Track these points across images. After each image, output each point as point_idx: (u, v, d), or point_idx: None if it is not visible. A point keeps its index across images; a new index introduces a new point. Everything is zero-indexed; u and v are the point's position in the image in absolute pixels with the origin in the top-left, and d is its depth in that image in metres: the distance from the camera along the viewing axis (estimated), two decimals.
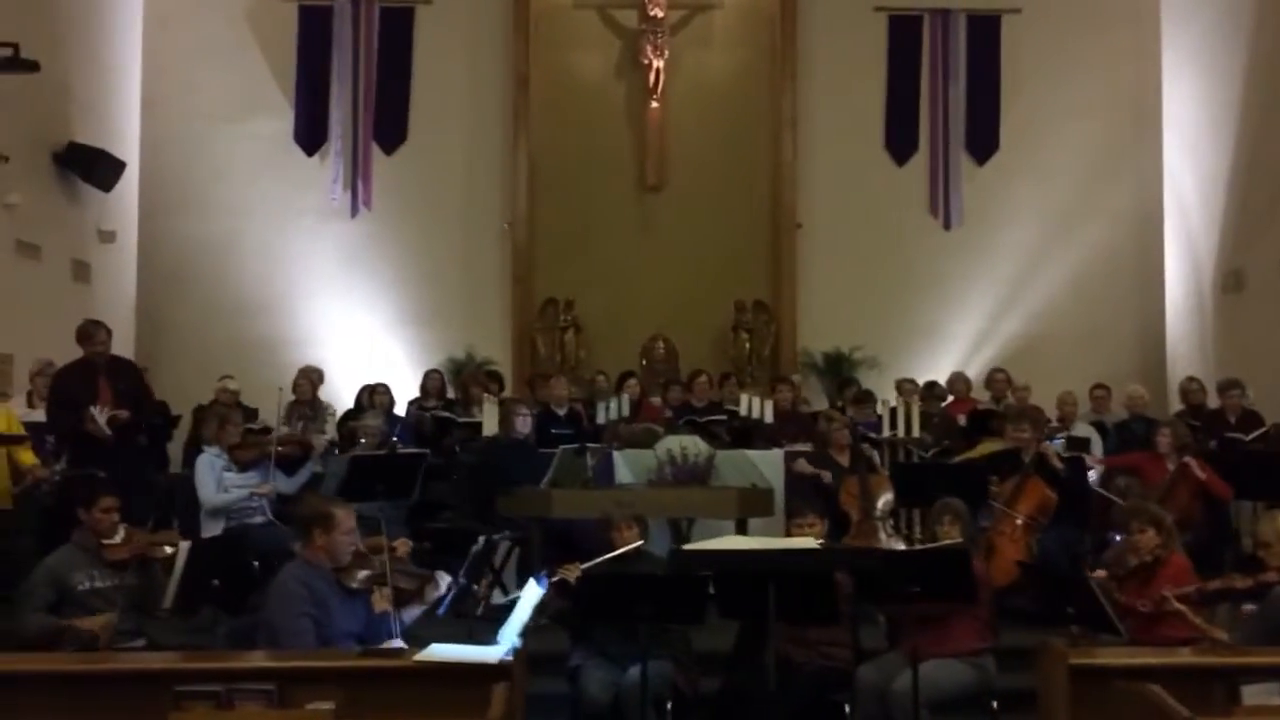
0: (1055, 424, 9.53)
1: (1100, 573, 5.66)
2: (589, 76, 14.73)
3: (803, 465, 8.08)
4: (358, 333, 14.19)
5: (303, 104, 14.35)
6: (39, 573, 5.88)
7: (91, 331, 8.03)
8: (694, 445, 8.54)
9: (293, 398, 10.57)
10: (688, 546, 5.14)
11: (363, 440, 8.35)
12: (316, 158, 14.41)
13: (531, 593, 5.07)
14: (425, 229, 14.37)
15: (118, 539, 6.03)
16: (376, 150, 14.46)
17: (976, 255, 14.47)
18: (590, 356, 13.98)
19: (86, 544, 6.01)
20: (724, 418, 10.00)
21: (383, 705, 4.57)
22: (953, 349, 14.41)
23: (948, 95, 14.55)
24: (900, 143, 14.57)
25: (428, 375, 11.73)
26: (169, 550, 6.13)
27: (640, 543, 5.76)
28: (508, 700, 4.23)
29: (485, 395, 9.32)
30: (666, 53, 14.26)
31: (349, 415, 10.42)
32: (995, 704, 5.66)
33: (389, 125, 14.44)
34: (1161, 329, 14.07)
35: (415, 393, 11.68)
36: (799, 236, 14.41)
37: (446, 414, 10.12)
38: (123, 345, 12.70)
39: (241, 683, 4.49)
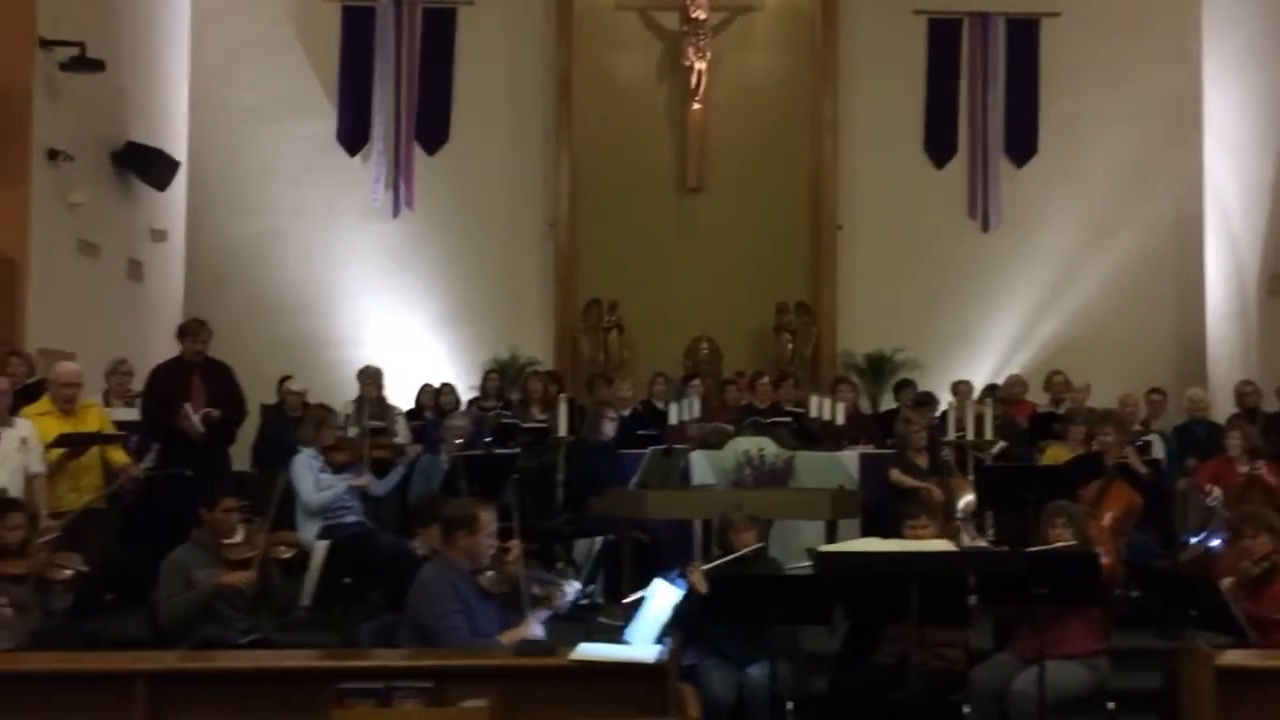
0: (1139, 427, 9.62)
1: (1227, 580, 5.71)
2: (630, 78, 14.79)
3: (896, 476, 8.13)
4: (399, 333, 14.23)
5: (345, 104, 14.40)
6: (166, 569, 5.94)
7: (195, 329, 8.12)
8: (768, 446, 8.60)
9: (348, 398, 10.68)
10: (829, 549, 5.20)
11: (458, 441, 8.40)
12: (359, 158, 14.47)
13: (665, 592, 5.13)
14: (467, 229, 14.43)
15: (237, 538, 6.08)
16: (418, 150, 14.50)
17: (1014, 258, 14.56)
18: (633, 357, 14.04)
19: (206, 543, 6.07)
20: (789, 419, 10.06)
21: (536, 704, 4.64)
22: (990, 351, 14.52)
23: (987, 98, 14.64)
24: (939, 145, 14.66)
25: (486, 376, 11.79)
26: (286, 552, 6.18)
27: (761, 545, 5.83)
28: (682, 700, 4.28)
29: (560, 396, 9.35)
30: (708, 54, 14.31)
31: (409, 415, 10.46)
32: (1111, 705, 5.73)
33: (431, 125, 14.49)
34: (1200, 332, 14.14)
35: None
36: (839, 238, 14.49)
37: (511, 417, 10.14)
38: (170, 346, 12.76)
39: (401, 680, 4.55)
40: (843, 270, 14.49)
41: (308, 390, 10.58)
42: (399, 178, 14.46)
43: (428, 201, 14.47)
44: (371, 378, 10.03)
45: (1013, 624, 5.93)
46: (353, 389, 11.33)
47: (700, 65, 14.30)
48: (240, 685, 4.62)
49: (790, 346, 13.98)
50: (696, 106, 14.39)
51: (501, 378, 12.52)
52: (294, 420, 9.73)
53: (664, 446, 8.00)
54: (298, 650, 5.40)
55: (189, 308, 13.62)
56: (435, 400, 10.76)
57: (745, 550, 5.77)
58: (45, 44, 9.89)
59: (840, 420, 9.45)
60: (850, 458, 8.69)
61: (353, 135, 14.43)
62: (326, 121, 14.41)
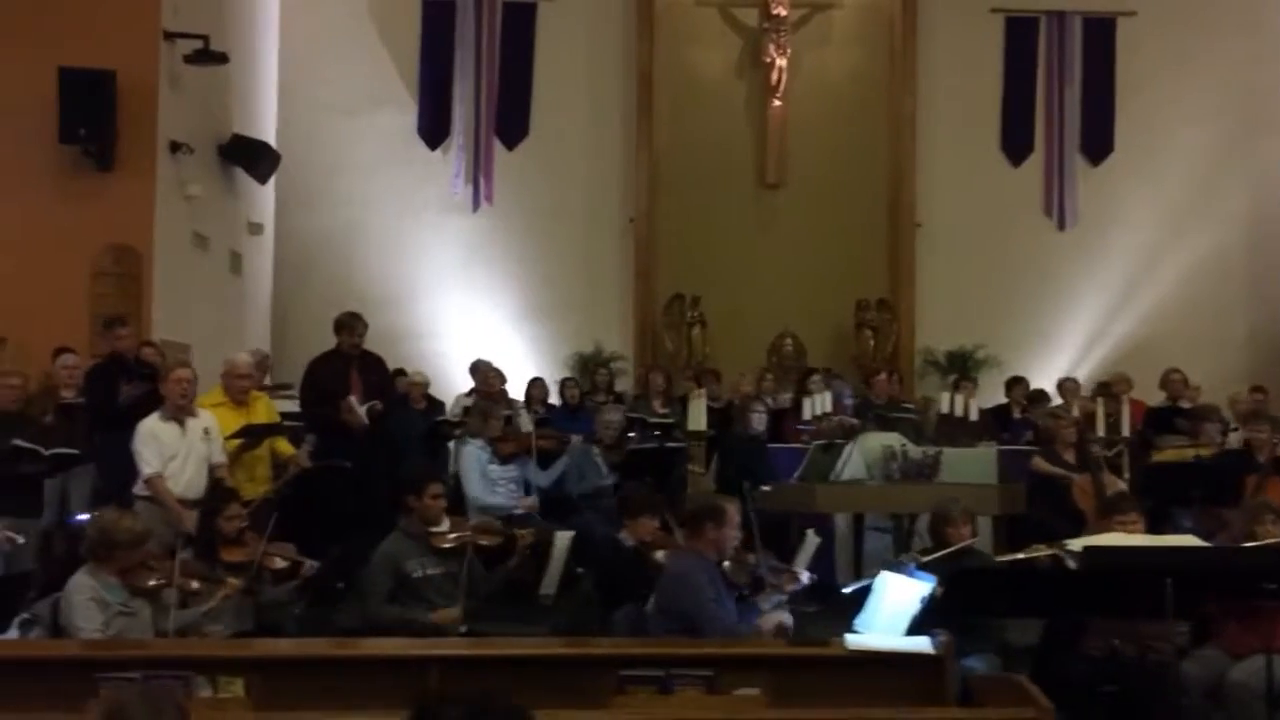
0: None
1: None
2: (709, 73, 14.84)
3: (1040, 463, 8.19)
4: (478, 327, 14.25)
5: (426, 98, 14.43)
6: (377, 561, 5.97)
7: (351, 323, 8.12)
8: (896, 442, 8.66)
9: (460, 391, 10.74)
10: (1097, 543, 5.25)
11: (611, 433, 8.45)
12: (439, 151, 14.50)
13: (902, 584, 5.17)
14: (546, 224, 14.46)
15: (444, 526, 6.12)
16: (498, 145, 14.54)
17: (1089, 256, 14.64)
18: (715, 353, 14.08)
19: (415, 531, 6.10)
20: (910, 414, 10.12)
21: (807, 693, 4.69)
22: (1064, 349, 14.60)
23: (1063, 97, 14.73)
24: (1016, 143, 14.75)
25: (596, 370, 11.80)
26: (485, 541, 6.22)
27: (976, 538, 5.89)
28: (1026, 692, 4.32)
29: (698, 392, 9.38)
30: (789, 51, 14.37)
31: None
32: None
33: (511, 120, 14.52)
34: (1275, 332, 14.25)
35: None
36: (917, 235, 14.56)
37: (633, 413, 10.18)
38: (261, 339, 12.82)
39: (679, 668, 4.60)
40: (921, 267, 14.56)
41: (429, 382, 10.61)
42: (479, 172, 14.50)
43: (507, 196, 14.50)
44: (496, 372, 10.04)
45: (1215, 619, 5.99)
46: (435, 382, 11.44)
47: (781, 62, 14.35)
48: (524, 670, 4.66)
49: (872, 343, 14.03)
50: (777, 103, 14.44)
51: (582, 372, 12.58)
52: (419, 412, 9.77)
53: (824, 441, 8.06)
54: (580, 638, 5.44)
55: (276, 300, 13.70)
56: (544, 394, 10.75)
57: (963, 544, 5.83)
58: (169, 36, 9.89)
59: (974, 416, 9.51)
60: (989, 453, 8.76)
61: (433, 129, 14.46)
62: (407, 115, 14.44)
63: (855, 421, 9.41)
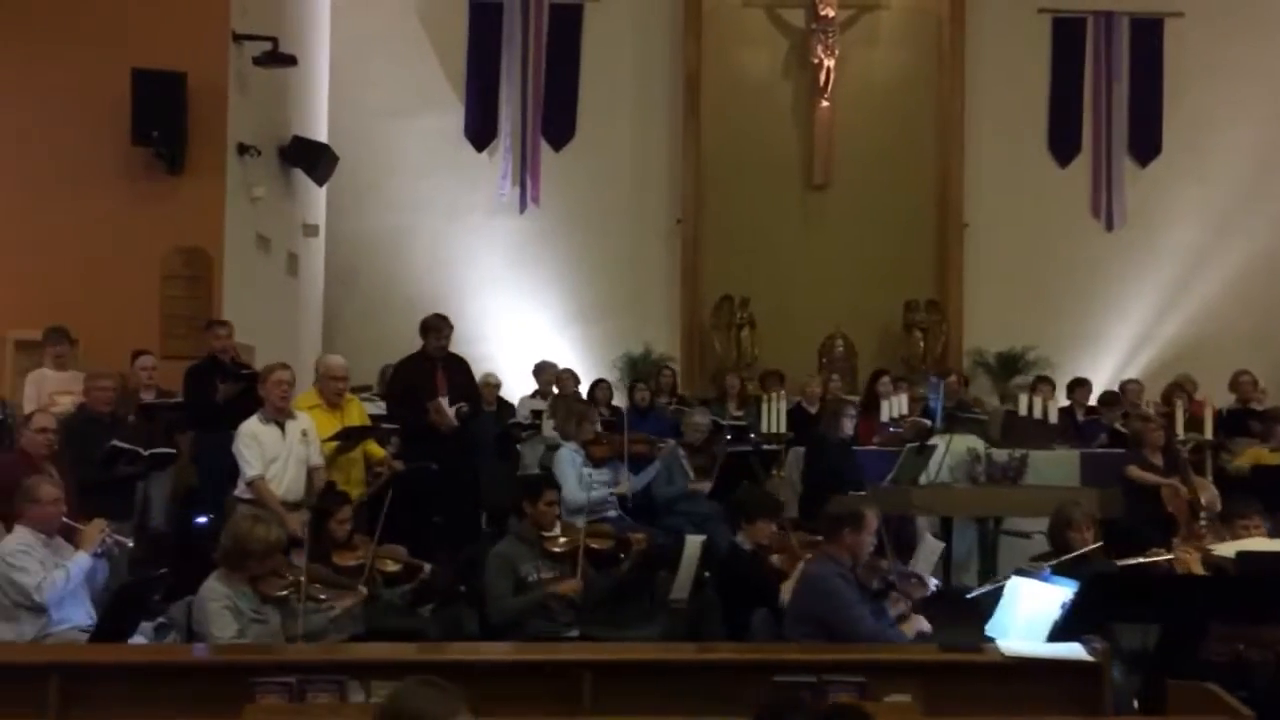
0: None
1: None
2: (756, 74, 14.81)
3: (1136, 472, 8.12)
4: (525, 328, 14.22)
5: (473, 100, 14.41)
6: (494, 564, 5.94)
7: (438, 325, 8.11)
8: (980, 444, 8.63)
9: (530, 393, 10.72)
10: (1254, 548, 5.21)
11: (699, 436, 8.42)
12: (486, 153, 14.47)
13: (1041, 590, 5.13)
14: (593, 225, 14.43)
15: (556, 532, 6.10)
16: (545, 146, 14.51)
17: (1138, 257, 14.61)
18: (764, 354, 14.04)
19: (528, 536, 6.07)
20: (982, 416, 10.08)
21: (957, 699, 4.64)
22: (1112, 351, 14.57)
23: (1110, 97, 14.70)
24: (1063, 144, 14.72)
25: (660, 371, 11.76)
26: (597, 545, 6.19)
27: (1100, 544, 5.84)
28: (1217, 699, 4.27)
29: (777, 394, 9.33)
30: (837, 51, 14.34)
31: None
32: None
33: (558, 121, 14.49)
34: None
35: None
36: (965, 236, 14.52)
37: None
38: (313, 340, 12.79)
39: (831, 674, 4.56)
40: (968, 268, 14.52)
41: (500, 384, 10.57)
42: (525, 173, 14.47)
43: (554, 197, 14.47)
44: (568, 372, 9.98)
45: None
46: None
47: (829, 62, 14.33)
48: (675, 676, 4.62)
49: (922, 344, 13.99)
50: (825, 104, 14.41)
51: (630, 373, 12.51)
52: (490, 414, 9.74)
53: (918, 444, 8.03)
54: (729, 644, 5.40)
55: (327, 302, 13.67)
56: (594, 395, 10.67)
57: (1088, 548, 5.78)
58: (238, 38, 9.86)
59: (1053, 418, 9.47)
60: (1072, 456, 8.72)
61: (480, 131, 14.43)
62: (454, 117, 14.41)
63: (928, 423, 9.36)
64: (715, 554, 6.21)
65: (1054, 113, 14.71)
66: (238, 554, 5.14)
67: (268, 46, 9.95)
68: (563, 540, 6.08)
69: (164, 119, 9.21)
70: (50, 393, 8.19)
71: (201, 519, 6.86)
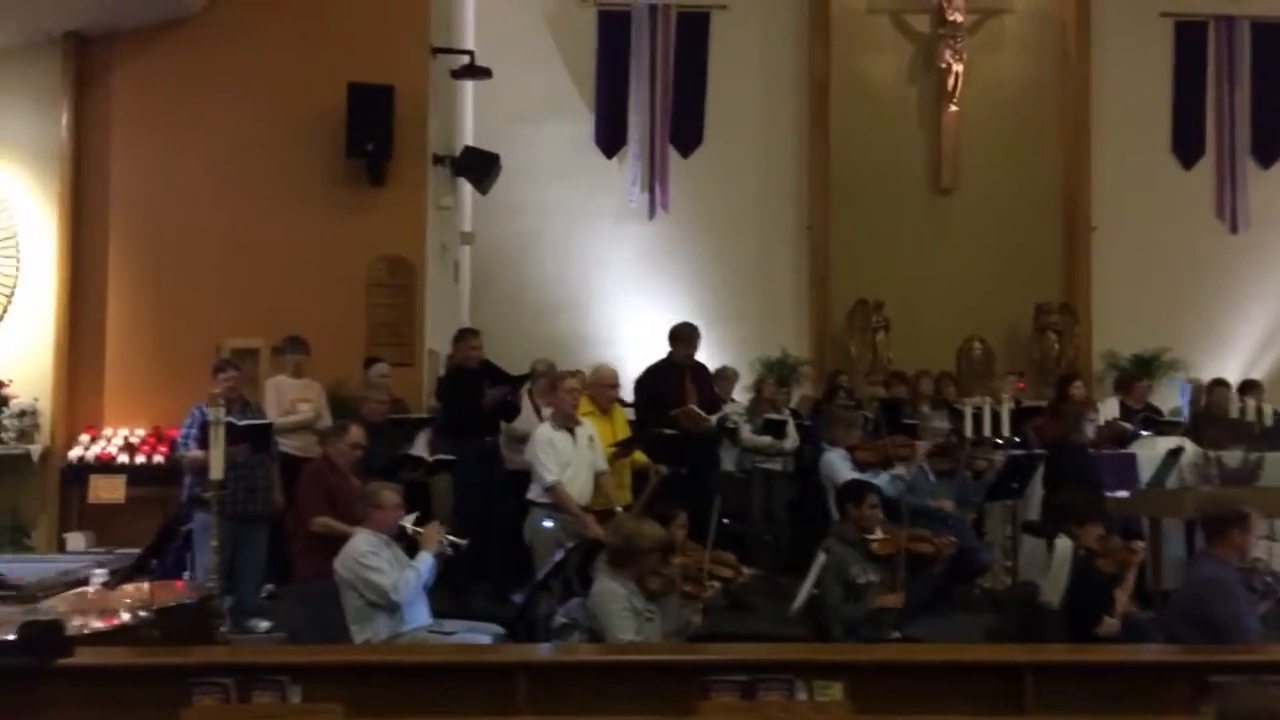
0: None
1: None
2: (882, 80, 14.91)
3: None
4: (654, 333, 14.26)
5: (602, 107, 14.49)
6: (826, 571, 6.03)
7: (688, 334, 8.27)
8: (1190, 445, 8.71)
9: None
10: None
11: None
12: (615, 160, 14.56)
13: None
14: (722, 231, 14.52)
15: (878, 534, 6.20)
16: (673, 153, 14.60)
17: (1262, 258, 14.73)
18: (898, 357, 14.15)
19: (850, 538, 6.18)
20: (1164, 417, 10.17)
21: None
22: (1237, 352, 14.67)
23: (1233, 99, 14.81)
24: (1187, 146, 14.83)
25: (837, 375, 11.85)
26: (918, 548, 6.29)
27: None
28: None
29: (988, 400, 9.40)
30: (965, 56, 14.46)
31: None
32: None
33: (686, 128, 14.58)
34: None
35: None
36: (1093, 239, 14.65)
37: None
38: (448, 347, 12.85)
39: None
40: (1096, 270, 14.64)
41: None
42: (654, 180, 14.56)
43: (683, 203, 14.56)
44: (726, 378, 10.07)
45: None
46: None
47: (958, 67, 14.45)
48: (934, 674, 4.70)
49: (1056, 347, 14.09)
50: (953, 108, 14.52)
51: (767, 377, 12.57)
52: None
53: (1175, 447, 8.14)
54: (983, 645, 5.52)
55: (471, 308, 13.76)
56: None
57: None
58: (436, 51, 9.96)
59: (1268, 420, 9.55)
60: None
61: (609, 137, 14.53)
62: (584, 124, 14.51)
63: (1129, 427, 9.45)
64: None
65: (1177, 115, 14.82)
66: (628, 552, 5.24)
67: (464, 59, 10.01)
68: (888, 542, 6.18)
69: (376, 131, 9.30)
70: (290, 399, 8.30)
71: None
